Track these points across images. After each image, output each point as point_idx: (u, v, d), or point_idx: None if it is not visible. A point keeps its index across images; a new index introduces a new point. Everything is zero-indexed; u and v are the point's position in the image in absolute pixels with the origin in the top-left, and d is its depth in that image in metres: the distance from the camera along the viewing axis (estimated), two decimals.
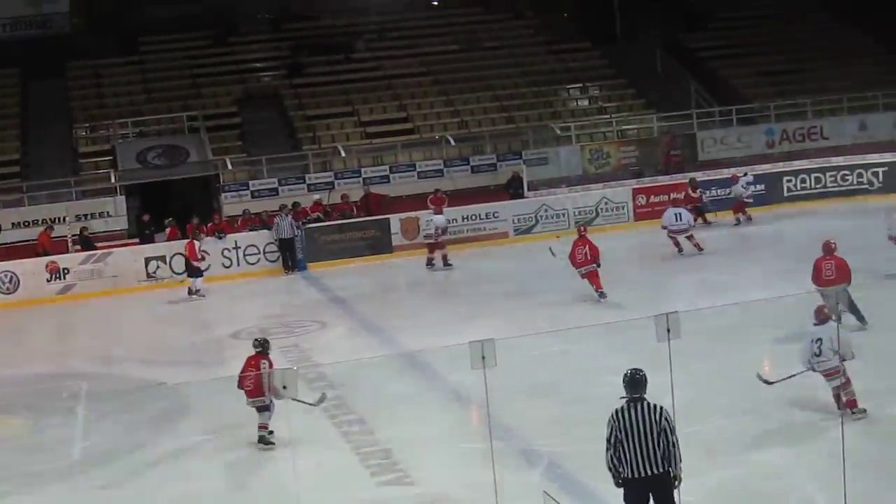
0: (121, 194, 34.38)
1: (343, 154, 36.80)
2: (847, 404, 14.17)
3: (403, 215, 32.39)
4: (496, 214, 32.78)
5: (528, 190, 34.39)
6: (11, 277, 29.62)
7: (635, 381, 10.04)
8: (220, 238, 30.76)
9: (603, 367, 16.99)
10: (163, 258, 30.28)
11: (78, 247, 31.06)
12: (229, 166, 35.71)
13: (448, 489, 13.26)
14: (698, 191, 32.20)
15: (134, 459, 15.41)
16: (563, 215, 33.08)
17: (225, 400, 17.42)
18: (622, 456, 9.87)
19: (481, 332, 12.92)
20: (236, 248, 30.94)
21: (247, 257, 30.93)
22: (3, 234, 33.07)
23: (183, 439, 16.22)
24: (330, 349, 21.08)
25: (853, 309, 18.22)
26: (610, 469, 10.03)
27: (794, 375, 14.46)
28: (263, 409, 15.02)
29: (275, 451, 14.81)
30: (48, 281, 29.77)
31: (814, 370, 14.32)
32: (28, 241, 32.33)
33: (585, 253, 22.73)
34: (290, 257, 30.82)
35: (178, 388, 18.49)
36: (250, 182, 35.26)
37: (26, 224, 33.23)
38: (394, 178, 35.91)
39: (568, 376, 16.97)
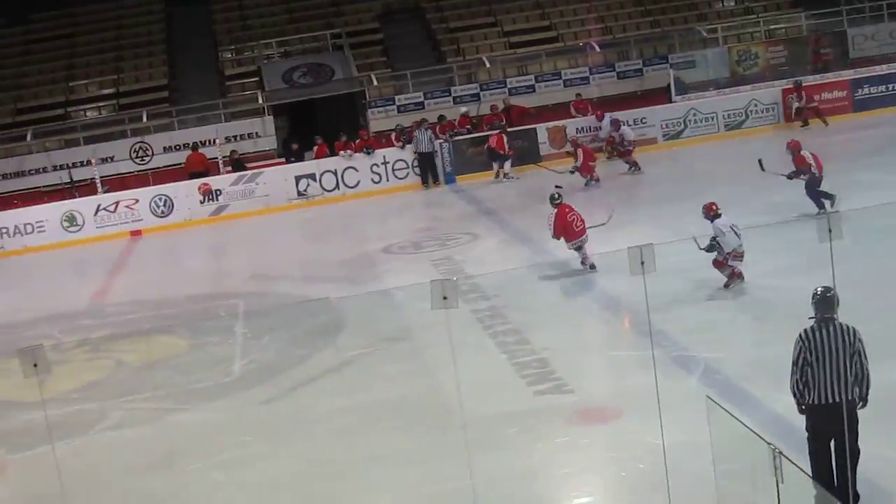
0: (268, 115, 34.67)
1: (487, 65, 36.52)
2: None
3: (550, 124, 32.09)
4: (644, 120, 32.20)
5: (676, 94, 33.74)
6: (165, 200, 30.15)
7: (826, 301, 9.28)
8: (368, 154, 30.85)
9: (761, 269, 16.63)
10: (312, 176, 30.47)
11: (229, 168, 31.42)
12: (374, 82, 35.74)
13: (606, 397, 13.12)
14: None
15: (293, 375, 15.52)
16: (713, 119, 32.38)
17: (381, 313, 17.54)
18: (809, 380, 9.21)
19: (631, 238, 12.66)
20: (385, 163, 30.99)
21: (395, 172, 30.95)
22: (154, 159, 33.62)
23: (341, 354, 16.31)
24: (482, 260, 20.97)
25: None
26: (794, 394, 9.41)
27: None
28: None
29: (431, 364, 14.80)
30: (201, 203, 30.24)
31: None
32: (179, 164, 32.85)
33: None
34: (431, 171, 30.79)
35: (334, 303, 18.59)
36: (396, 97, 35.23)
37: (177, 148, 33.72)
38: (539, 88, 35.54)
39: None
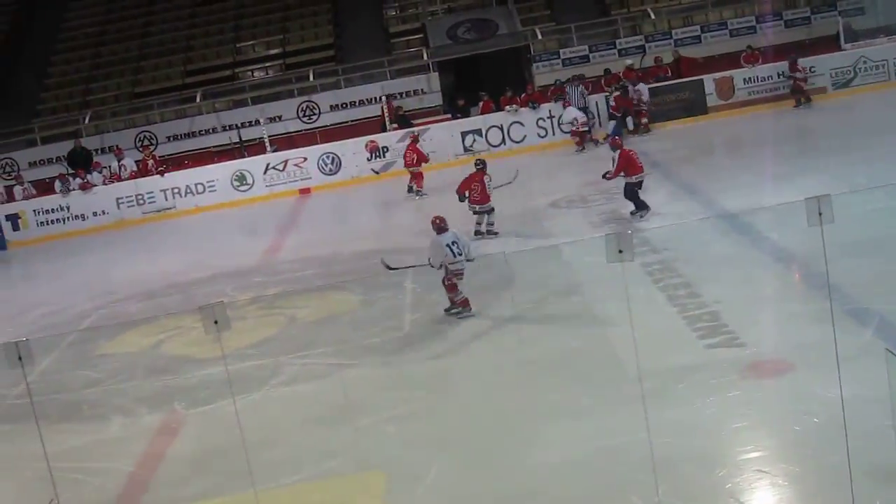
0: (433, 71, 34.67)
1: (652, 16, 35.93)
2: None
3: (718, 75, 31.45)
4: (813, 69, 31.28)
5: (846, 42, 32.71)
6: (333, 158, 30.44)
7: None
8: (533, 108, 30.71)
9: None
10: (478, 132, 30.43)
11: (395, 125, 31.55)
12: (539, 36, 35.44)
13: (779, 350, 12.81)
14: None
15: (463, 329, 15.49)
16: (883, 67, 31.31)
17: (551, 268, 17.41)
18: None
19: (802, 190, 12.32)
20: (550, 117, 30.79)
21: (561, 126, 30.70)
22: (322, 117, 33.93)
23: (511, 308, 16.23)
24: (650, 213, 20.67)
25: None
26: None
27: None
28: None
29: (602, 317, 14.66)
30: (368, 160, 30.43)
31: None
32: (346, 122, 33.11)
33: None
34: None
35: (502, 258, 18.52)
36: (560, 51, 34.89)
37: (343, 106, 34.00)
38: (705, 38, 34.79)
39: None
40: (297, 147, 31.54)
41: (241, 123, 33.69)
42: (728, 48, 33.84)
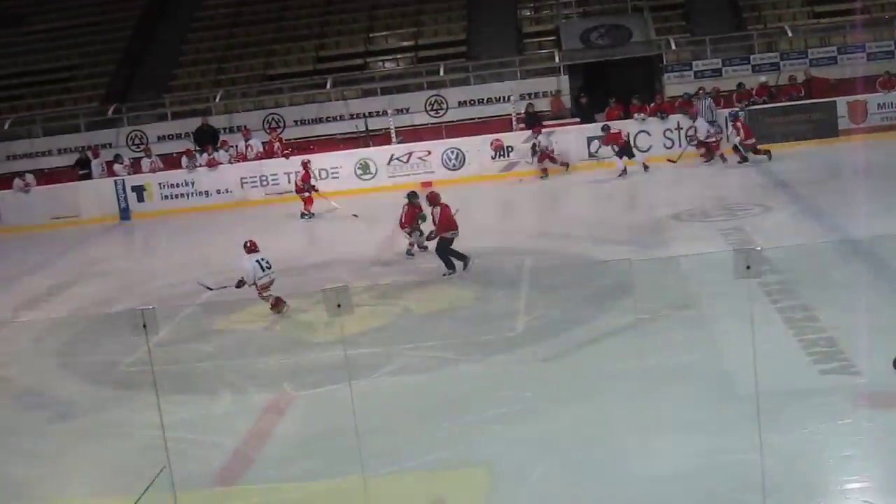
0: (563, 74, 34.56)
1: (789, 34, 35.37)
2: None
3: (851, 98, 30.88)
4: None
5: None
6: (458, 154, 30.50)
7: None
8: (662, 119, 30.48)
9: None
10: (600, 136, 30.27)
11: (522, 125, 31.53)
12: (672, 46, 35.12)
13: (894, 383, 12.55)
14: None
15: (576, 334, 15.43)
16: None
17: (669, 280, 17.25)
18: None
19: None
20: (678, 128, 30.53)
21: (688, 139, 30.42)
22: (449, 112, 34.01)
23: (626, 317, 16.08)
24: (772, 233, 20.41)
25: None
26: None
27: None
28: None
29: (718, 334, 14.49)
30: (492, 158, 30.44)
31: None
32: (473, 119, 33.16)
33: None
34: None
35: (619, 266, 18.38)
36: (693, 62, 34.53)
37: (471, 102, 34.05)
38: (841, 60, 34.11)
39: None
40: (422, 140, 31.64)
41: (369, 113, 33.90)
42: (864, 72, 33.18)
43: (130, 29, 41.52)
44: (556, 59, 35.18)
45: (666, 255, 18.84)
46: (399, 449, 11.68)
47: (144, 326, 7.79)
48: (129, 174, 32.53)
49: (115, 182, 32.24)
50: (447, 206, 20.51)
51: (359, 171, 31.11)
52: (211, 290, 18.89)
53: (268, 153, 32.16)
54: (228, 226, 27.55)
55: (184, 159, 32.21)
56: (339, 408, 12.12)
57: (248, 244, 18.75)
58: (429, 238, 20.83)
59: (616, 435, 11.55)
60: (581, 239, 21.76)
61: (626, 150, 29.12)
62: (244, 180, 31.64)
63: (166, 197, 31.89)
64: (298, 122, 34.78)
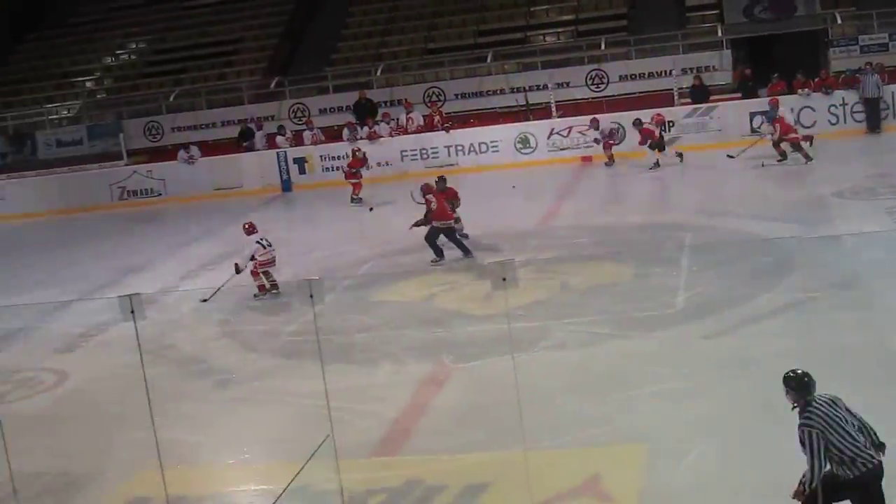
0: (726, 48, 34.02)
1: None
2: None
3: None
4: None
5: None
6: (619, 129, 30.28)
7: (807, 383, 8.39)
8: (827, 94, 29.84)
9: None
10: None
11: (686, 100, 31.19)
12: (838, 20, 34.29)
13: None
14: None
15: (736, 312, 15.23)
16: None
17: (831, 258, 16.94)
18: (842, 454, 8.24)
19: None
20: (843, 104, 29.85)
21: (853, 115, 29.74)
22: (609, 87, 33.79)
23: (787, 295, 15.85)
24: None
25: None
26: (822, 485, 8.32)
27: None
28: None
29: (882, 315, 14.18)
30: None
31: None
32: (633, 93, 32.89)
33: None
34: (873, 117, 29.39)
35: (783, 244, 18.11)
36: (859, 37, 33.65)
37: (632, 77, 33.75)
38: None
39: None
40: (582, 114, 31.46)
41: (529, 87, 33.81)
42: None
43: (293, 2, 42.11)
44: (719, 33, 34.63)
45: (826, 234, 18.46)
46: (556, 424, 11.70)
47: (311, 296, 7.91)
48: (291, 146, 33.04)
49: (278, 154, 32.79)
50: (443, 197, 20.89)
51: (518, 145, 31.11)
52: (206, 300, 19.23)
53: (428, 126, 32.35)
54: (388, 198, 27.79)
55: (345, 132, 32.58)
56: (497, 381, 12.21)
57: (247, 226, 19.96)
58: (417, 224, 20.93)
59: (775, 415, 11.36)
60: (741, 216, 21.44)
61: (658, 144, 28.80)
62: (404, 153, 31.90)
63: (327, 169, 32.30)
64: (458, 96, 34.88)
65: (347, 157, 29.98)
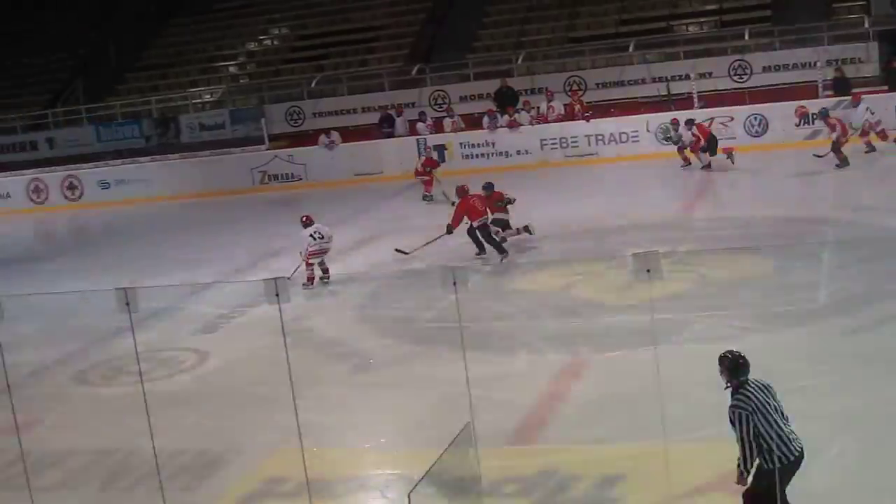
0: (872, 40, 33.26)
1: None
2: None
3: None
4: None
5: None
6: (760, 120, 29.85)
7: (742, 365, 8.79)
8: None
9: None
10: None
11: (829, 92, 30.59)
12: None
13: None
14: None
15: (877, 309, 14.92)
16: None
17: None
18: (768, 443, 8.55)
19: None
20: None
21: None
22: (752, 78, 33.27)
23: None
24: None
25: None
26: (749, 469, 8.73)
27: None
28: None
29: None
30: (796, 126, 29.61)
31: None
32: (777, 85, 32.36)
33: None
34: None
35: None
36: None
37: (776, 68, 33.17)
38: None
39: None
40: (724, 105, 31.07)
41: (671, 76, 33.47)
42: None
43: None
44: (866, 25, 33.87)
45: None
46: (695, 417, 11.56)
47: (455, 284, 7.94)
48: (431, 133, 33.20)
49: (418, 141, 32.98)
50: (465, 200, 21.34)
51: (659, 136, 30.82)
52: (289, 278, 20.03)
53: (568, 115, 32.24)
54: (527, 187, 27.75)
55: (485, 119, 32.64)
56: (635, 372, 12.12)
57: (304, 219, 20.74)
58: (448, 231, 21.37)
59: None
60: (888, 212, 20.97)
61: (710, 145, 28.39)
62: (544, 142, 31.86)
63: (467, 156, 32.41)
64: (600, 85, 34.63)
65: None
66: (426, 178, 29.04)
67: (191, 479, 12.09)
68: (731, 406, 8.65)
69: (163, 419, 9.96)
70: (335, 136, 34.34)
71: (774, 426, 8.53)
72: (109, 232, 29.17)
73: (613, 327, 15.36)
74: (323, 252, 20.43)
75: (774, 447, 8.48)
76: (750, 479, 8.74)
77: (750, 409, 8.53)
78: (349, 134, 35.39)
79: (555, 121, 32.16)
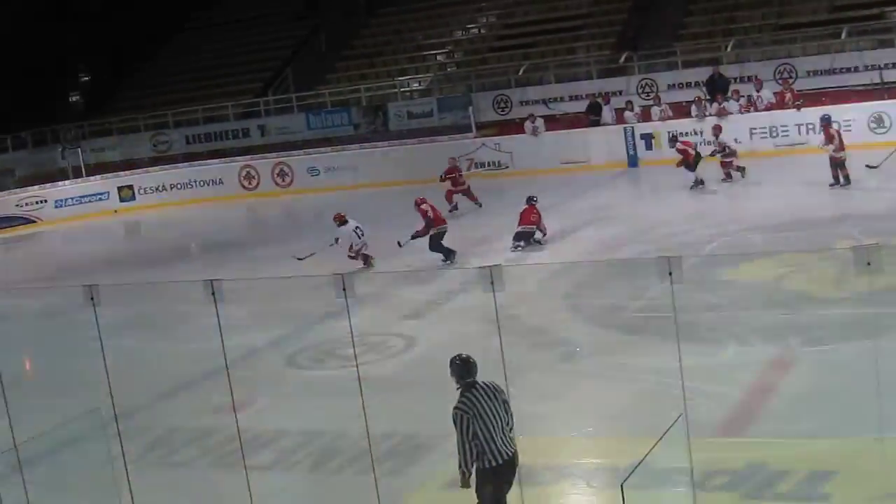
0: None
1: None
2: None
3: None
4: None
5: None
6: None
7: (469, 365, 9.37)
8: None
9: None
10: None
11: None
12: None
13: None
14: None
15: None
16: None
17: None
18: (483, 445, 9.23)
19: None
20: None
21: None
22: None
23: None
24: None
25: None
26: (466, 468, 9.32)
27: None
28: None
29: None
30: None
31: None
32: None
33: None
34: None
35: None
36: None
37: None
38: None
39: None
40: None
41: (885, 64, 32.50)
42: None
43: None
44: None
45: None
46: None
47: (670, 274, 7.91)
48: (638, 122, 33.01)
49: (625, 129, 32.81)
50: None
51: (872, 125, 29.97)
52: (301, 259, 23.09)
53: (778, 104, 31.63)
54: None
55: (693, 108, 32.26)
56: (848, 366, 11.88)
57: (339, 216, 23.02)
58: (415, 236, 23.23)
59: None
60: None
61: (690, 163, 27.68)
62: (753, 131, 31.29)
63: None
64: (811, 73, 33.80)
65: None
66: (457, 187, 29.14)
67: (399, 462, 12.33)
68: (455, 408, 9.20)
69: (371, 403, 10.14)
70: (539, 122, 34.40)
71: (490, 430, 9.13)
72: (319, 218, 29.71)
73: (825, 320, 15.06)
74: (365, 245, 22.83)
75: (487, 450, 9.13)
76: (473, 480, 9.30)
77: (471, 413, 9.10)
78: (555, 122, 35.38)
79: (764, 109, 31.58)
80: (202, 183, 40.12)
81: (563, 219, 25.28)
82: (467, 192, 29.06)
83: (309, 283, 18.16)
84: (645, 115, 33.27)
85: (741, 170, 27.45)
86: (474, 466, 9.24)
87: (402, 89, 41.00)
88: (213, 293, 9.96)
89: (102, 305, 10.78)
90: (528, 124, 34.41)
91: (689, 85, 34.79)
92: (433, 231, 22.83)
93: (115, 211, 39.94)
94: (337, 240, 22.84)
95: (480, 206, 28.67)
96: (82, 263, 29.83)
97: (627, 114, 33.33)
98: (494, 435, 9.15)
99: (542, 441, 12.32)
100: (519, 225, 23.10)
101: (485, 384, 9.31)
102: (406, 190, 33.24)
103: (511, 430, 9.37)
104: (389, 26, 46.14)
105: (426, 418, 13.60)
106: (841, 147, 25.10)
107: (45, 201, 40.00)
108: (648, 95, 34.90)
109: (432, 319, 18.63)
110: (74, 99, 45.50)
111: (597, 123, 34.08)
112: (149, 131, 44.09)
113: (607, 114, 34.13)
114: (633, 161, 32.44)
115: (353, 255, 22.62)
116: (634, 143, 32.49)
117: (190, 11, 51.68)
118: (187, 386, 16.43)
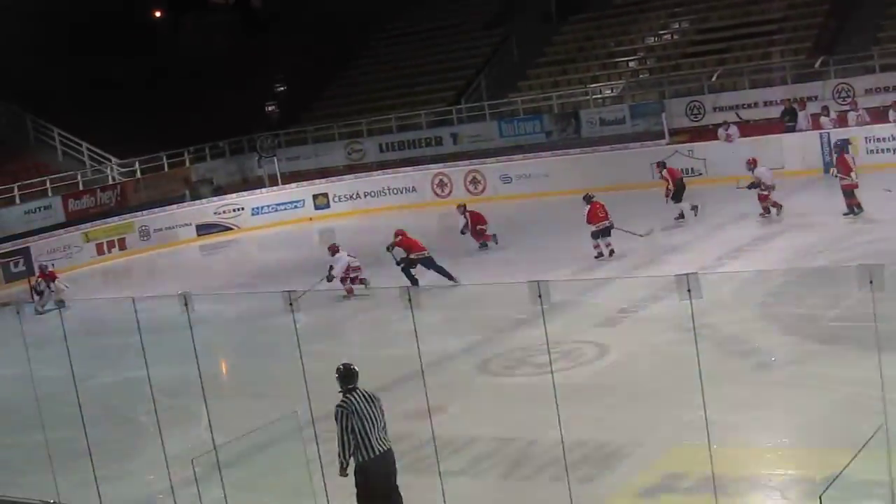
0: None
1: None
2: None
3: None
4: None
5: None
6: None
7: (351, 374, 10.82)
8: None
9: None
10: None
11: None
12: None
13: None
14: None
15: None
16: None
17: None
18: (360, 440, 10.69)
19: None
20: None
21: None
22: None
23: None
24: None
25: None
26: (345, 461, 10.84)
27: None
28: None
29: None
30: None
31: None
32: None
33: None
34: None
35: None
36: None
37: None
38: None
39: None
40: None
41: None
42: None
43: None
44: None
45: None
46: None
47: (871, 282, 7.80)
48: (834, 127, 32.31)
49: (821, 135, 32.14)
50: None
51: None
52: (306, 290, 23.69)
53: None
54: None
55: (891, 113, 31.44)
56: None
57: (333, 247, 24.65)
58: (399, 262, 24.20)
59: None
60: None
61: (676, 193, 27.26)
62: None
63: (871, 151, 31.27)
64: None
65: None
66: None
67: (591, 469, 12.36)
68: (336, 406, 10.68)
69: (563, 410, 10.20)
70: (733, 129, 33.96)
71: (367, 428, 10.60)
72: (511, 226, 29.87)
73: None
74: (358, 269, 24.46)
75: (363, 445, 10.59)
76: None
77: (350, 410, 10.58)
78: (749, 128, 34.87)
79: None
80: (395, 191, 40.65)
81: (757, 227, 24.94)
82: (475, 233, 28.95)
83: (502, 290, 18.39)
84: (841, 121, 32.55)
85: (778, 207, 26.54)
86: (352, 458, 10.67)
87: (594, 96, 40.92)
88: (409, 299, 10.20)
89: (300, 311, 11.11)
90: (720, 131, 34.01)
91: (886, 89, 33.93)
92: (413, 255, 23.94)
93: (311, 219, 40.77)
94: (331, 268, 24.06)
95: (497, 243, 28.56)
96: (278, 270, 30.58)
97: (823, 119, 32.66)
98: (370, 432, 10.61)
99: (736, 451, 12.24)
100: (593, 225, 24.05)
101: (364, 391, 10.80)
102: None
103: (385, 430, 10.80)
104: (581, 33, 46.13)
105: (619, 427, 13.64)
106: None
107: (243, 209, 41.15)
108: (845, 100, 34.15)
109: (625, 327, 18.58)
110: (270, 108, 46.56)
111: (792, 129, 33.49)
112: (343, 140, 44.94)
113: (802, 119, 33.50)
114: (828, 167, 31.72)
115: (347, 282, 24.17)
116: (830, 150, 31.77)
117: (383, 22, 52.44)
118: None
